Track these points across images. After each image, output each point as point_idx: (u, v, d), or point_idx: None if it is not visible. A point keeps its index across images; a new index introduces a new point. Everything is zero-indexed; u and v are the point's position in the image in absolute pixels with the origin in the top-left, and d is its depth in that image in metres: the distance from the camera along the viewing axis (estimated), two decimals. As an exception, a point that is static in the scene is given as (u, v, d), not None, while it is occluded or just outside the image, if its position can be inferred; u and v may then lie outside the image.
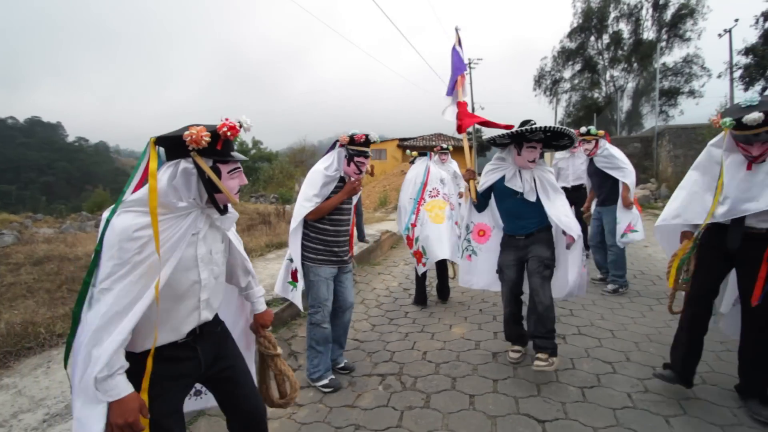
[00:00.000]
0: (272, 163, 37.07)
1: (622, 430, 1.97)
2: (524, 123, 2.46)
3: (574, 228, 2.48)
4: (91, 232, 10.03)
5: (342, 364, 2.71)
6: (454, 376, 2.59)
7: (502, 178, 2.62)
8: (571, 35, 31.31)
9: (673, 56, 29.21)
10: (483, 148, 37.27)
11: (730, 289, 2.23)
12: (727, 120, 1.80)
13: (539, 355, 2.37)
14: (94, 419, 1.06)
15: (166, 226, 1.19)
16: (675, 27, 28.55)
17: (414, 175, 3.87)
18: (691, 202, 2.14)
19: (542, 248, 2.55)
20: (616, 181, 3.95)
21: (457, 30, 3.43)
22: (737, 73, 20.92)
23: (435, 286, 4.07)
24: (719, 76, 21.61)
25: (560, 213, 2.52)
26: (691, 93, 27.91)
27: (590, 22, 30.53)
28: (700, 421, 2.01)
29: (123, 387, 1.10)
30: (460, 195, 4.02)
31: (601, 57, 31.45)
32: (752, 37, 20.09)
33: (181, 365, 1.30)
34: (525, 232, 2.61)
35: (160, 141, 1.23)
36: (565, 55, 31.57)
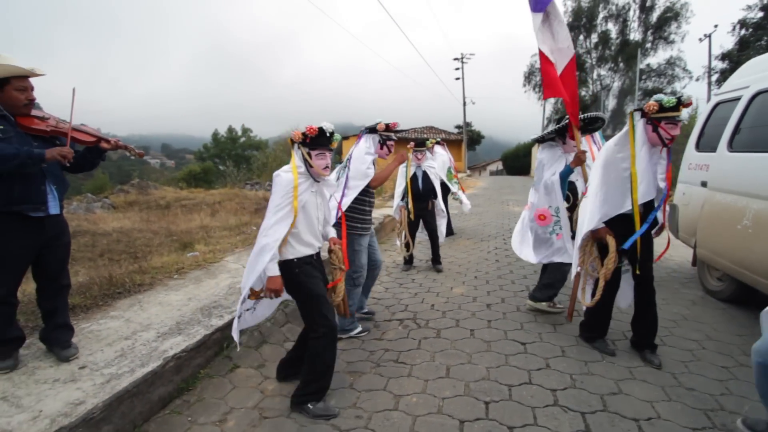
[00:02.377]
0: (262, 150, 37.23)
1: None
2: (559, 120, 3.16)
3: None
4: (101, 212, 10.45)
5: (365, 309, 3.38)
6: (458, 319, 3.32)
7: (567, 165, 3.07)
8: (560, 33, 32.10)
9: (657, 57, 30.41)
10: (473, 142, 38.03)
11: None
12: (671, 98, 2.28)
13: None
14: (251, 281, 2.07)
15: (301, 180, 2.05)
16: (660, 29, 29.68)
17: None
18: (609, 198, 2.46)
19: None
20: None
21: None
22: (715, 77, 22.12)
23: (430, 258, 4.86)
24: (697, 80, 22.78)
25: None
26: (673, 94, 29.03)
27: (580, 21, 31.38)
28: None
29: (274, 270, 2.02)
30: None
31: (589, 56, 32.41)
32: (729, 43, 21.26)
33: (315, 270, 2.19)
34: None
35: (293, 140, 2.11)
36: (554, 53, 32.44)
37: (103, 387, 2.02)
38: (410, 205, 4.62)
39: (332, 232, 2.41)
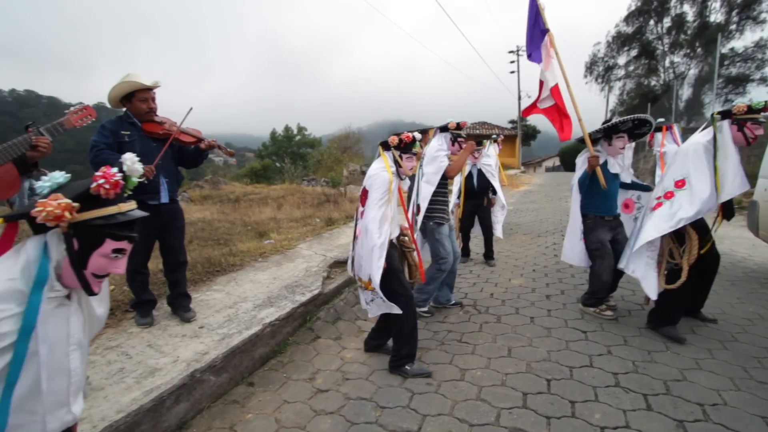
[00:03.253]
0: (316, 148, 38.77)
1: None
2: (606, 122, 3.19)
3: None
4: (182, 205, 11.65)
5: (453, 302, 3.51)
6: (517, 307, 3.46)
7: (604, 165, 3.15)
8: (627, 19, 29.81)
9: (743, 40, 27.23)
10: (527, 137, 36.66)
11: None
12: (760, 101, 2.43)
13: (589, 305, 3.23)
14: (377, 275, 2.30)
15: (393, 178, 2.39)
16: (748, 8, 26.57)
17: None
18: (705, 194, 2.55)
19: (623, 228, 3.24)
20: None
21: None
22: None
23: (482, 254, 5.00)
24: (794, 63, 20.14)
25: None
26: (763, 80, 25.90)
27: (650, 5, 28.98)
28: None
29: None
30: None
31: (660, 42, 29.85)
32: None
33: (393, 249, 2.51)
34: (614, 214, 3.19)
35: (383, 143, 2.47)
36: (620, 40, 30.20)
37: (219, 343, 2.48)
38: (461, 203, 4.79)
39: (402, 221, 2.72)
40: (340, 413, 2.14)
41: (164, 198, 2.69)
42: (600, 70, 31.35)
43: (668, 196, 2.70)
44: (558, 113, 3.46)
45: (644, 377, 2.32)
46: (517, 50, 29.78)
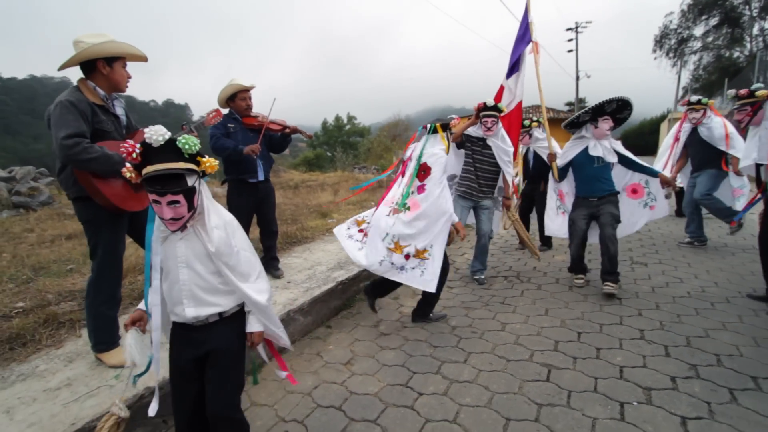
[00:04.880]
0: (365, 137, 39.63)
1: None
2: (581, 109, 3.42)
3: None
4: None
5: (477, 276, 3.86)
6: (558, 278, 3.80)
7: (584, 150, 3.43)
8: (707, -17, 26.84)
9: None
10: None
11: None
12: None
13: (608, 283, 3.28)
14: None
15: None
16: None
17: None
18: None
19: (613, 208, 3.36)
20: (713, 150, 4.23)
21: None
22: None
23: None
24: None
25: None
26: None
27: (735, -35, 25.87)
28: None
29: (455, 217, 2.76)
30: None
31: (747, 6, 26.56)
32: None
33: None
34: (599, 195, 3.39)
35: (444, 125, 2.83)
36: (697, 8, 27.28)
37: (304, 293, 3.13)
38: (520, 186, 4.71)
39: None
40: (401, 349, 2.69)
41: (261, 176, 3.37)
42: (672, 43, 28.71)
43: None
44: (508, 122, 3.85)
45: (668, 333, 2.62)
46: (576, 27, 28.15)
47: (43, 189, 8.40)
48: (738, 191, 4.25)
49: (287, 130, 3.49)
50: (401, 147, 28.68)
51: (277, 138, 3.52)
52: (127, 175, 1.31)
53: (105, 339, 2.15)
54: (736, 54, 26.54)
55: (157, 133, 1.27)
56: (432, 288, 2.72)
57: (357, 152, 30.84)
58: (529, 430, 1.84)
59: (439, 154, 2.80)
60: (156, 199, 1.31)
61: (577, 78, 28.85)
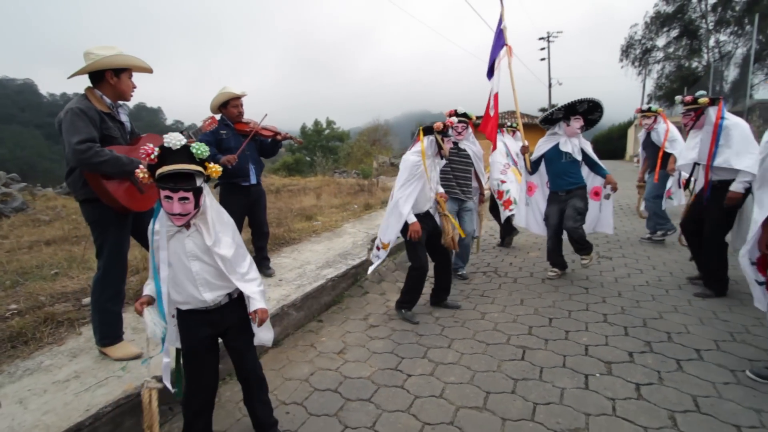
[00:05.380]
0: (345, 141, 39.77)
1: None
2: (562, 106, 3.68)
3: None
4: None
5: (460, 272, 4.14)
6: (532, 272, 4.10)
7: (556, 146, 3.73)
8: (668, -3, 28.46)
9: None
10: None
11: None
12: None
13: (583, 257, 3.66)
14: (395, 228, 2.88)
15: (429, 162, 2.92)
16: (805, -21, 24.77)
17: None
18: None
19: (578, 201, 3.64)
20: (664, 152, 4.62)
21: (502, 2, 4.10)
22: None
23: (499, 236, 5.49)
24: None
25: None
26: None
27: (693, -19, 27.58)
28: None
29: (413, 218, 2.89)
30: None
31: (704, 20, 28.35)
32: None
33: (422, 221, 3.05)
34: (567, 189, 3.68)
35: (424, 129, 2.97)
36: (659, 21, 28.93)
37: (296, 290, 3.29)
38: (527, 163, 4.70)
39: (440, 189, 3.28)
40: (390, 338, 2.89)
41: (253, 180, 3.52)
42: (637, 53, 30.24)
43: None
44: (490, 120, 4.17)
45: (628, 316, 2.93)
46: (548, 36, 29.31)
47: (16, 195, 8.18)
48: (670, 191, 4.71)
49: (278, 137, 3.65)
50: (380, 152, 28.99)
51: (268, 143, 3.67)
52: (140, 175, 1.50)
53: (110, 333, 2.26)
54: (695, 64, 28.23)
55: (176, 139, 1.50)
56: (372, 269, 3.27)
57: (337, 157, 30.93)
58: (506, 400, 2.07)
59: (407, 159, 2.99)
60: (169, 195, 1.50)
61: (550, 85, 30.02)
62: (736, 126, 2.99)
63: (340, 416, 2.05)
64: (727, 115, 3.03)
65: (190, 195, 1.52)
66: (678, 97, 3.27)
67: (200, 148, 1.52)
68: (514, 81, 4.13)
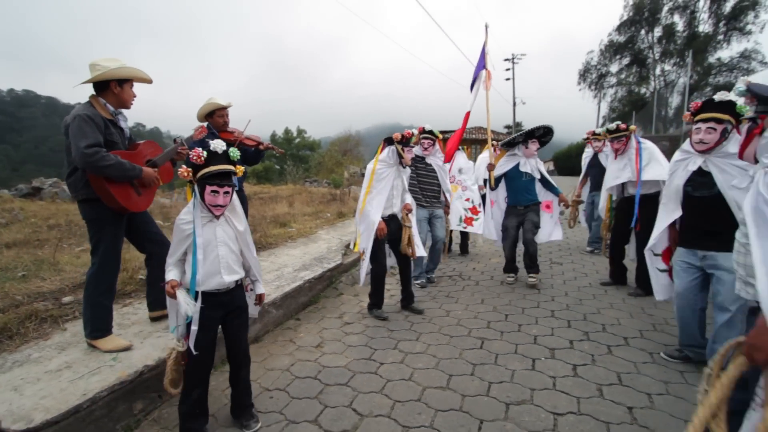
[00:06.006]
0: (315, 151, 39.82)
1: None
2: (523, 132, 4.17)
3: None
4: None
5: (426, 277, 4.50)
6: (492, 276, 4.50)
7: (516, 165, 4.16)
8: (620, 28, 30.91)
9: (730, 50, 28.45)
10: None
11: None
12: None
13: (531, 275, 4.08)
14: (367, 236, 3.16)
15: (383, 167, 3.28)
16: (735, 19, 27.82)
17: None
18: None
19: (534, 216, 4.14)
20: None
21: (486, 28, 4.65)
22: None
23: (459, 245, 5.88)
24: (775, 73, 21.28)
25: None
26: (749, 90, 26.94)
27: (641, 15, 30.20)
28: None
29: (378, 218, 3.22)
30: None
31: (651, 51, 31.06)
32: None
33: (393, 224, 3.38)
34: (524, 204, 4.16)
35: (387, 139, 3.26)
36: (612, 49, 31.36)
37: (275, 290, 3.50)
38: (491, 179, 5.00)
39: (408, 199, 3.55)
40: (364, 334, 3.16)
41: (236, 186, 3.71)
42: (593, 77, 32.51)
43: None
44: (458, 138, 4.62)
45: (572, 312, 3.36)
46: (513, 58, 30.98)
47: (-31, 197, 7.79)
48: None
49: (261, 146, 3.87)
50: (352, 162, 29.31)
51: (251, 152, 3.89)
52: (185, 174, 1.83)
53: (100, 326, 2.39)
54: (643, 90, 30.74)
55: (219, 145, 1.90)
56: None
57: (308, 166, 30.92)
58: (466, 381, 2.39)
59: (367, 167, 3.38)
60: (216, 189, 1.84)
61: (514, 104, 31.66)
62: (651, 147, 3.58)
63: (320, 398, 2.29)
64: (641, 139, 3.62)
65: (230, 189, 1.89)
66: (613, 125, 3.78)
67: (235, 152, 1.93)
68: (489, 103, 4.53)
